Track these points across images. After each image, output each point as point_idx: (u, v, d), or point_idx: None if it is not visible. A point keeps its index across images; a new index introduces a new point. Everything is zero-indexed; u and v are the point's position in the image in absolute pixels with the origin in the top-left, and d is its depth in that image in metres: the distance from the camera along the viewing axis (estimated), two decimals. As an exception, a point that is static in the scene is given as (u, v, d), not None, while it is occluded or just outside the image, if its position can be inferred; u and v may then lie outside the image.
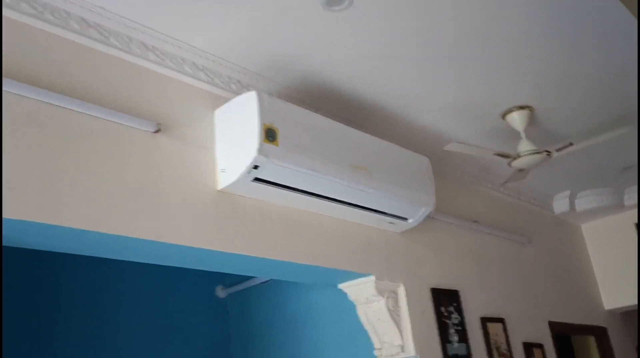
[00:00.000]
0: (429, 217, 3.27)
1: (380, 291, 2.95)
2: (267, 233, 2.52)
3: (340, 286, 3.06)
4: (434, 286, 3.26)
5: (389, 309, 2.96)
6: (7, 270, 3.25)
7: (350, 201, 2.73)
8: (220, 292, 4.15)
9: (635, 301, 4.55)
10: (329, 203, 2.68)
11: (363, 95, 2.94)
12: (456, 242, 3.60)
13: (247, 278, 3.94)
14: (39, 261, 3.41)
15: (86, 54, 2.18)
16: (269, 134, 2.33)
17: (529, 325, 3.86)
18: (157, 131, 2.25)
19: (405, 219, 3.05)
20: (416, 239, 3.28)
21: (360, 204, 2.79)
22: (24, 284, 3.39)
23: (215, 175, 2.42)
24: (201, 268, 2.49)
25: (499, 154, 3.17)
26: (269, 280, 3.82)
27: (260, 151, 2.28)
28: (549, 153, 3.16)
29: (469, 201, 3.91)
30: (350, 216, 2.88)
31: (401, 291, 3.06)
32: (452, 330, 3.22)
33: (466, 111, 3.21)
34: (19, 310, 3.31)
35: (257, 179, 2.38)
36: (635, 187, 4.51)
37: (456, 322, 3.28)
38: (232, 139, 2.42)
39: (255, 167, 2.32)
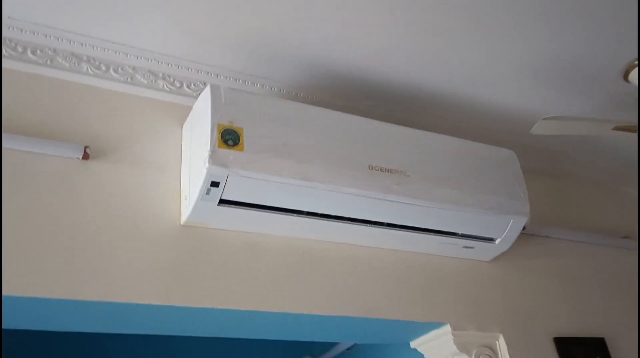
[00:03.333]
0: (532, 234, 2.31)
1: (463, 347, 2.03)
2: (263, 276, 1.81)
3: (413, 344, 2.20)
4: (560, 335, 2.22)
5: (481, 372, 2.03)
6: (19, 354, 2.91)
7: (387, 221, 1.93)
8: (308, 365, 3.42)
9: None
10: (357, 226, 1.91)
11: (407, 83, 2.18)
12: (593, 268, 2.51)
13: (334, 344, 3.20)
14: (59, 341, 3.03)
15: (-3, 76, 1.77)
16: (228, 136, 1.68)
17: None
18: (85, 157, 1.72)
19: (490, 240, 2.14)
20: (520, 267, 2.31)
21: (405, 224, 1.97)
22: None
23: (181, 206, 1.82)
24: (165, 333, 1.83)
25: (620, 129, 2.13)
26: (354, 345, 3.04)
27: (214, 160, 1.63)
28: (703, 112, 2.07)
29: (609, 210, 2.80)
30: (401, 244, 2.06)
31: (501, 344, 2.10)
32: (599, 399, 2.15)
33: (568, 77, 2.26)
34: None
35: (223, 202, 1.72)
36: None
37: (605, 385, 2.19)
38: (192, 155, 1.81)
39: (215, 184, 1.67)
